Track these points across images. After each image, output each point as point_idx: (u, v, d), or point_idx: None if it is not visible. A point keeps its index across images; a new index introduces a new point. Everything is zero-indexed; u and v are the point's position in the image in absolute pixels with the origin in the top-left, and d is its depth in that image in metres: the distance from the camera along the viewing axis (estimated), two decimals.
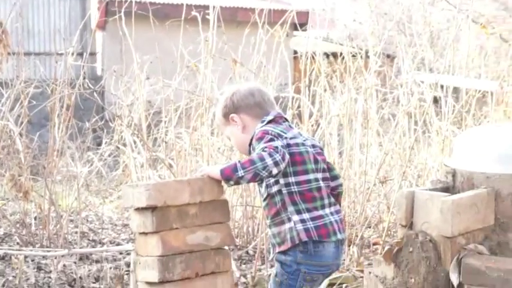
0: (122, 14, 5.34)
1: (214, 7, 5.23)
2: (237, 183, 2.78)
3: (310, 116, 5.35)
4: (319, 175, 2.87)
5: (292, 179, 2.82)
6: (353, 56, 5.49)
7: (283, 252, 2.85)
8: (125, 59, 5.83)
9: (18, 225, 5.40)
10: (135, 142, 5.50)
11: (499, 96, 5.40)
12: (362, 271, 4.27)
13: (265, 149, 2.71)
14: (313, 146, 2.93)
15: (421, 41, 5.87)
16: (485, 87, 5.79)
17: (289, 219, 2.82)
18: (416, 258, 3.01)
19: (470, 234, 2.88)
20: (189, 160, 5.34)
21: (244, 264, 4.97)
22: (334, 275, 4.41)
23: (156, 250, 2.86)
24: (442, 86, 5.31)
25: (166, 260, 2.85)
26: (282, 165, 2.70)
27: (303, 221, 2.81)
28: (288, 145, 2.81)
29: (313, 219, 2.81)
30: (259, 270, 4.61)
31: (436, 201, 2.82)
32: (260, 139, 2.78)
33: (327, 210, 2.86)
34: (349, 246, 4.83)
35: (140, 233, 2.90)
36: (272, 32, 5.33)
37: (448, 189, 3.02)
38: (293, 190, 2.81)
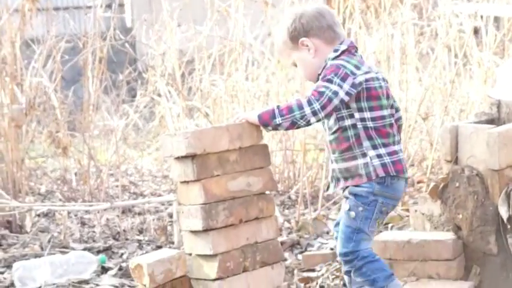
0: None
1: None
2: (275, 129, 2.78)
3: None
4: (390, 111, 2.82)
5: (367, 114, 2.74)
6: None
7: (357, 185, 2.78)
8: (154, 7, 5.80)
9: (59, 182, 5.50)
10: (169, 92, 5.51)
11: None
12: (407, 210, 4.26)
13: (309, 95, 2.68)
14: (384, 79, 2.84)
15: None
16: None
17: (364, 155, 2.74)
18: (463, 194, 3.00)
19: None
20: (225, 107, 5.33)
21: (287, 209, 5.00)
22: None
23: (198, 198, 2.88)
24: (481, 16, 5.19)
25: (209, 207, 2.88)
26: (321, 115, 2.68)
27: (379, 156, 2.74)
28: (366, 80, 2.73)
29: (389, 154, 2.75)
30: (303, 214, 4.63)
31: (482, 134, 2.79)
32: (332, 74, 2.70)
33: (397, 147, 2.80)
34: None
35: (181, 182, 2.92)
36: None
37: (493, 121, 2.99)
38: (368, 125, 2.73)
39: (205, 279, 2.90)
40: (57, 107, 4.89)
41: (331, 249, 3.98)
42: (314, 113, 2.67)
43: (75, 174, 5.51)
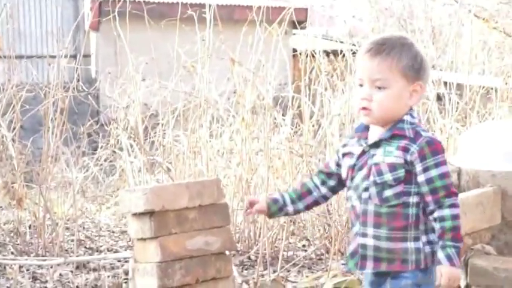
0: (116, 14, 5.35)
1: (210, 5, 5.24)
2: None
3: (311, 116, 5.36)
4: None
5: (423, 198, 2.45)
6: (353, 53, 5.50)
7: (395, 276, 2.44)
8: (120, 60, 5.85)
9: (12, 234, 5.41)
10: (131, 146, 5.52)
11: (503, 92, 5.40)
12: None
13: (453, 196, 2.39)
14: None
15: (422, 37, 5.89)
16: (489, 84, 5.81)
17: (417, 239, 2.42)
18: None
19: (477, 234, 2.90)
20: (187, 163, 5.35)
21: (246, 269, 4.98)
22: (338, 279, 4.44)
23: (155, 256, 2.88)
24: (445, 83, 5.32)
25: (165, 266, 2.88)
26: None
27: (430, 242, 2.43)
28: None
29: (435, 241, 2.43)
30: (262, 275, 4.62)
31: None
32: (437, 152, 2.39)
33: None
34: None
35: (138, 239, 2.92)
36: (270, 30, 5.35)
37: None
38: (424, 207, 2.44)
39: None
40: (14, 157, 4.86)
41: None
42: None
43: (30, 227, 5.43)
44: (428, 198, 2.37)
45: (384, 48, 2.41)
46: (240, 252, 5.19)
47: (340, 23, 9.67)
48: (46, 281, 4.49)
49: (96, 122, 5.87)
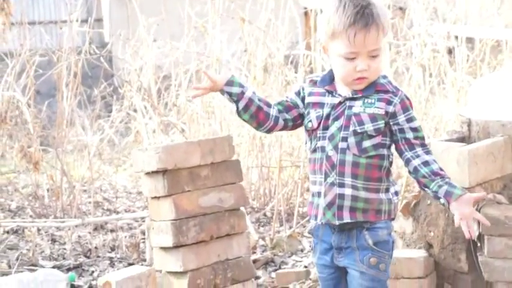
0: None
1: None
2: None
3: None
4: None
5: (393, 150, 2.48)
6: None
7: (371, 228, 2.41)
8: (132, 23, 5.81)
9: (30, 198, 5.46)
10: (145, 107, 5.52)
11: None
12: None
13: (426, 146, 2.43)
14: None
15: None
16: (500, 36, 5.73)
17: (388, 190, 2.44)
18: (434, 211, 3.03)
19: (488, 184, 2.89)
20: (201, 123, 5.35)
21: (262, 226, 5.00)
22: None
23: (169, 214, 2.89)
24: (455, 36, 5.26)
25: (179, 223, 2.89)
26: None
27: (396, 193, 2.48)
28: None
29: (397, 193, 2.50)
30: (278, 232, 4.65)
31: (452, 152, 2.83)
32: (410, 106, 2.43)
33: None
34: None
35: (152, 198, 2.93)
36: None
37: (464, 139, 3.03)
38: (391, 160, 2.47)
39: None
40: (29, 121, 4.88)
41: (305, 267, 3.99)
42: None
43: (48, 190, 5.47)
44: (416, 142, 2.40)
45: (372, 18, 2.33)
46: (255, 209, 5.21)
47: None
48: (64, 243, 4.54)
49: (110, 84, 5.87)
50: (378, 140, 2.39)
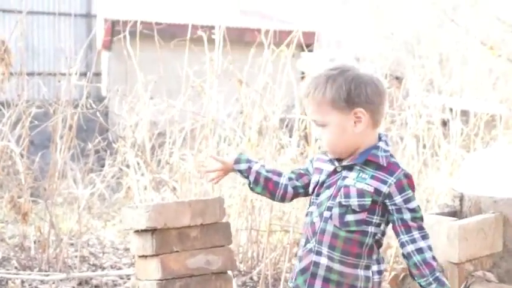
0: (127, 33, 5.38)
1: (220, 27, 5.26)
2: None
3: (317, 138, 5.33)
4: None
5: (383, 228, 2.46)
6: None
7: None
8: (130, 79, 5.86)
9: (17, 249, 5.40)
10: (138, 164, 5.51)
11: (508, 119, 5.39)
12: None
13: (422, 232, 2.40)
14: None
15: (429, 63, 5.89)
16: (494, 110, 5.80)
17: (368, 267, 2.42)
18: None
19: (478, 260, 2.87)
20: (193, 182, 5.33)
21: None
22: None
23: (155, 274, 2.86)
24: (450, 109, 5.31)
25: (165, 284, 2.86)
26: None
27: (379, 272, 2.45)
28: None
29: (381, 272, 2.48)
30: None
31: (443, 226, 2.82)
32: (410, 186, 2.41)
33: None
34: None
35: (140, 256, 2.91)
36: (278, 53, 5.36)
37: (455, 213, 3.02)
38: (378, 239, 2.45)
39: None
40: (21, 172, 4.86)
41: None
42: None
43: (34, 242, 5.42)
44: (413, 225, 2.37)
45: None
46: (242, 272, 5.16)
47: (347, 46, 9.69)
48: None
49: (104, 139, 5.87)
50: (362, 216, 2.37)
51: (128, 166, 5.60)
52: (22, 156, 4.97)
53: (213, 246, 2.98)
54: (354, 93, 2.36)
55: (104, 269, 5.27)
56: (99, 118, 4.79)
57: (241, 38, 10.15)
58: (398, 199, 2.37)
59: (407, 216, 2.37)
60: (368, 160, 2.39)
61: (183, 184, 5.31)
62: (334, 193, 2.41)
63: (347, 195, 2.38)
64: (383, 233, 2.44)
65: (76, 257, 5.21)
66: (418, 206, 2.41)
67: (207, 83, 5.26)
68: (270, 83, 5.28)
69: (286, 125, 5.43)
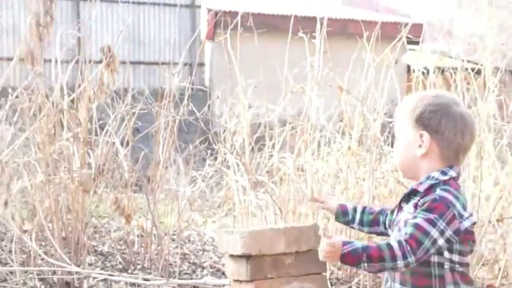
0: (231, 25, 5.44)
1: (322, 24, 5.23)
2: (365, 271, 2.57)
3: None
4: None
5: (456, 258, 2.40)
6: (475, 72, 5.36)
7: None
8: (231, 74, 5.90)
9: (121, 242, 5.64)
10: (237, 165, 5.62)
11: None
12: None
13: (404, 243, 2.30)
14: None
15: None
16: None
17: None
18: None
19: None
20: (292, 186, 5.39)
21: None
22: None
23: None
24: None
25: None
26: (413, 264, 2.33)
27: None
28: (470, 226, 2.41)
29: None
30: None
31: None
32: (438, 214, 2.33)
33: None
34: None
35: (235, 280, 2.99)
36: (382, 50, 5.29)
37: None
38: (456, 269, 2.41)
39: None
40: (126, 176, 5.07)
41: None
42: (407, 265, 2.32)
43: (138, 236, 5.64)
44: (403, 235, 2.34)
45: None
46: (341, 281, 5.19)
47: (459, 40, 9.45)
48: None
49: (205, 140, 6.02)
50: None
51: (228, 167, 5.72)
52: (126, 156, 5.17)
53: (307, 274, 3.03)
54: (427, 116, 2.42)
55: (203, 268, 5.43)
56: (200, 123, 4.91)
57: (345, 30, 10.11)
58: (416, 213, 2.36)
59: (407, 230, 2.33)
60: (413, 189, 2.44)
61: (282, 187, 5.39)
62: (397, 229, 2.48)
63: (399, 229, 2.43)
64: (455, 261, 2.39)
65: (177, 254, 5.40)
66: (429, 233, 2.31)
67: (308, 87, 5.28)
68: (372, 89, 5.24)
69: (389, 132, 5.38)
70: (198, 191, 6.06)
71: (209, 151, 6.30)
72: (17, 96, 4.69)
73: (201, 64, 10.17)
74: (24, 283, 4.38)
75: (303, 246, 3.00)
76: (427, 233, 2.30)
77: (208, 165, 6.13)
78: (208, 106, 5.97)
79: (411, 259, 2.29)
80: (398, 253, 2.29)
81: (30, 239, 4.45)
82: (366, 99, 5.10)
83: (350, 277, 5.14)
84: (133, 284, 4.65)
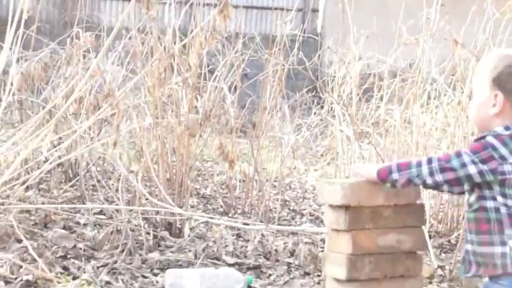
0: None
1: None
2: (393, 186, 2.72)
3: None
4: None
5: (511, 203, 2.55)
6: None
7: (494, 280, 2.61)
8: (344, 23, 5.85)
9: (223, 186, 5.81)
10: (343, 115, 5.64)
11: None
12: None
13: (433, 156, 2.59)
14: None
15: None
16: None
17: (504, 243, 2.56)
18: None
19: None
20: (397, 137, 5.38)
21: (444, 253, 4.97)
22: None
23: (346, 248, 2.98)
24: None
25: (355, 259, 2.97)
26: (438, 177, 2.55)
27: None
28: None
29: None
30: (459, 262, 4.60)
31: None
32: (473, 150, 2.54)
33: None
34: None
35: (332, 230, 3.04)
36: (504, 9, 5.13)
37: None
38: (508, 211, 2.55)
39: None
40: (232, 117, 5.18)
41: None
42: (431, 173, 2.56)
43: (239, 181, 5.78)
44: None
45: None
46: (440, 233, 5.18)
47: None
48: (248, 240, 4.80)
49: (313, 88, 6.06)
50: (477, 193, 2.58)
51: (333, 116, 5.75)
52: (233, 103, 5.28)
53: (405, 226, 3.04)
54: (504, 78, 2.54)
55: (302, 215, 5.53)
56: (309, 72, 4.95)
57: None
58: None
59: None
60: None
61: (387, 139, 5.38)
62: None
63: None
64: (510, 206, 2.53)
65: (277, 200, 5.52)
66: (461, 155, 2.53)
67: (421, 40, 5.21)
68: (490, 43, 5.11)
69: None
70: (302, 139, 6.13)
71: (316, 100, 6.34)
72: (130, 38, 4.83)
73: (315, 10, 10.11)
74: (129, 221, 4.59)
75: (402, 199, 3.00)
76: (458, 155, 2.55)
77: (314, 113, 6.17)
78: (318, 55, 6.00)
79: (435, 165, 2.55)
80: (425, 159, 2.59)
81: (136, 180, 4.63)
82: (481, 54, 4.98)
83: (450, 230, 5.12)
84: (233, 227, 4.81)
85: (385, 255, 3.04)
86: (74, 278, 3.91)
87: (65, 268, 4.06)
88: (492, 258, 2.56)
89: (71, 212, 4.82)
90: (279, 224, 4.95)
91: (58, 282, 3.78)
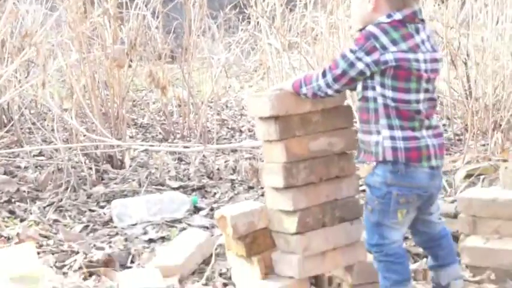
0: None
1: None
2: (306, 97, 2.89)
3: None
4: (422, 96, 2.72)
5: (389, 93, 2.69)
6: None
7: (372, 172, 2.82)
8: None
9: (160, 114, 5.88)
10: (270, 28, 5.71)
11: None
12: (505, 160, 4.34)
13: (327, 66, 2.77)
14: (432, 61, 2.72)
15: None
16: None
17: (378, 132, 2.74)
18: None
19: None
20: (325, 44, 5.48)
21: None
22: (472, 166, 4.51)
23: (280, 157, 3.11)
24: None
25: (290, 166, 3.10)
26: (336, 86, 2.76)
27: (392, 138, 2.71)
28: (396, 59, 2.64)
29: (405, 138, 2.70)
30: None
31: None
32: (358, 45, 2.67)
33: (424, 133, 2.73)
34: (493, 131, 4.90)
35: (265, 141, 3.16)
36: None
37: None
38: (389, 104, 2.70)
39: (285, 233, 3.16)
40: (158, 43, 5.21)
41: None
42: (327, 86, 2.77)
43: (175, 106, 5.85)
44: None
45: None
46: None
47: None
48: (189, 163, 4.93)
49: (236, 5, 6.08)
50: (362, 83, 2.75)
51: (260, 31, 5.82)
52: (157, 28, 5.31)
53: (334, 129, 3.16)
54: None
55: (241, 132, 5.66)
56: None
57: None
58: None
59: None
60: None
61: (315, 46, 5.48)
62: None
63: None
64: (387, 96, 2.68)
65: (215, 120, 5.63)
66: (346, 56, 2.69)
67: None
68: None
69: None
70: (233, 57, 6.20)
71: (241, 16, 6.38)
72: None
73: None
74: (69, 159, 4.66)
75: (329, 103, 3.11)
76: (344, 56, 2.70)
77: (241, 30, 6.22)
78: None
79: (329, 77, 2.74)
80: (320, 72, 2.77)
81: (71, 117, 4.68)
82: None
83: None
84: (174, 152, 4.93)
85: (319, 159, 3.17)
86: (22, 221, 4.01)
87: (11, 212, 4.15)
88: (369, 146, 2.78)
89: (10, 157, 4.87)
90: (218, 144, 5.07)
91: (6, 226, 3.86)
